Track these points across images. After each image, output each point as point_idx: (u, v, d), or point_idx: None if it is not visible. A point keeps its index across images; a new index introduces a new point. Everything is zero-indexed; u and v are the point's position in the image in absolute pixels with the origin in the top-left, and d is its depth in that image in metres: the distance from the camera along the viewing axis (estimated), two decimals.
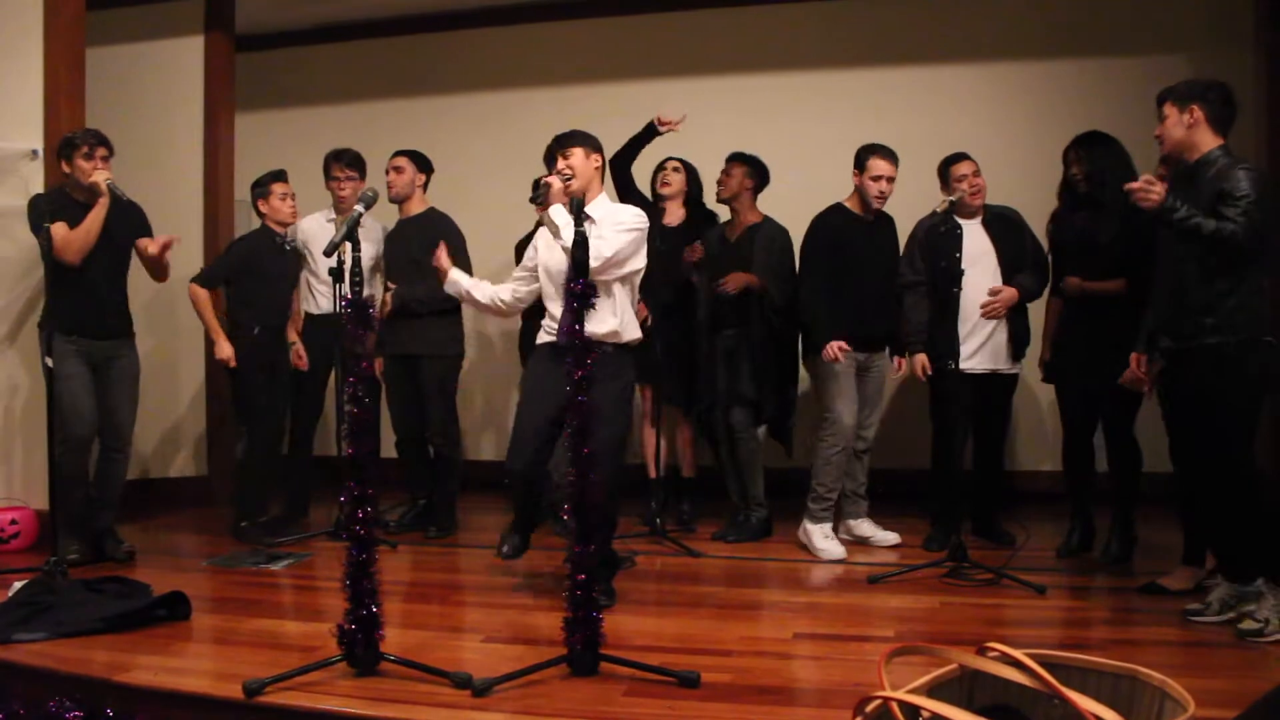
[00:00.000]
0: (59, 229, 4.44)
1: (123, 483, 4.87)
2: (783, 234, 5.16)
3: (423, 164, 5.43)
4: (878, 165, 4.81)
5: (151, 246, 4.72)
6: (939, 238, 4.56)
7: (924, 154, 5.53)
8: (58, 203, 4.54)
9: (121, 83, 5.90)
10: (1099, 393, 4.50)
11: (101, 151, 4.58)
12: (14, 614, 3.48)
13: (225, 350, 5.12)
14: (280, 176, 5.29)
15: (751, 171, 5.22)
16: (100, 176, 4.52)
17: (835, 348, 4.71)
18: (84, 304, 4.57)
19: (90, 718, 2.92)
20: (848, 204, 4.93)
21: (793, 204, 5.12)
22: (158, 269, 4.84)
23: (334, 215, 5.62)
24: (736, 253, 5.16)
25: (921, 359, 4.78)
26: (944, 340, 4.56)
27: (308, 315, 5.56)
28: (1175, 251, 3.65)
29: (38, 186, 4.86)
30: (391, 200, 5.36)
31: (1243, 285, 3.48)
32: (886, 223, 5.00)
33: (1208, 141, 3.59)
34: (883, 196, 4.83)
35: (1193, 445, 3.63)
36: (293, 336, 5.46)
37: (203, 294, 5.13)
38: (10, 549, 4.80)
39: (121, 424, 4.78)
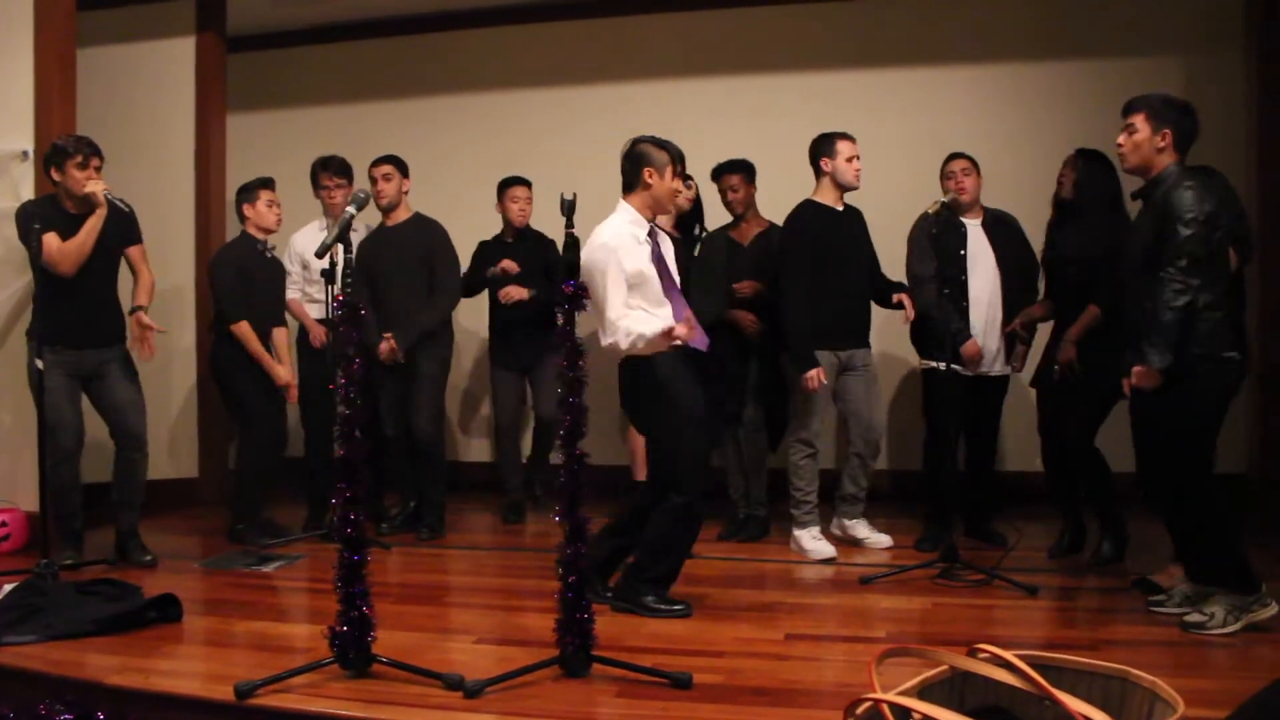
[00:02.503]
0: (51, 240, 4.37)
1: (143, 484, 4.83)
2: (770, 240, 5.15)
3: (405, 170, 5.42)
4: (846, 147, 4.80)
5: (138, 336, 4.70)
6: (943, 234, 4.56)
7: (918, 155, 5.55)
8: (48, 212, 4.47)
9: (113, 83, 5.90)
10: (1077, 402, 4.48)
11: (96, 161, 4.50)
12: (4, 616, 3.46)
13: (284, 376, 5.14)
14: (268, 184, 5.25)
15: (748, 177, 5.21)
16: (97, 187, 4.44)
17: (816, 376, 4.67)
18: (71, 314, 4.49)
19: None
20: (816, 197, 4.88)
21: (785, 206, 5.11)
22: (146, 289, 4.80)
23: (326, 222, 5.60)
24: (753, 256, 5.16)
25: (974, 346, 4.74)
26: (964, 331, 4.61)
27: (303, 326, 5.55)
28: (1134, 273, 3.66)
29: (29, 188, 4.84)
30: (383, 208, 5.35)
31: (1206, 302, 3.49)
32: (856, 215, 4.96)
33: (1167, 161, 3.60)
34: (860, 174, 4.82)
35: (1160, 454, 3.65)
36: (308, 322, 5.42)
37: (246, 328, 5.07)
38: (0, 551, 4.79)
39: (132, 425, 4.73)
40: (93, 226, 4.46)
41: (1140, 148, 3.62)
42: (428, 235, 5.33)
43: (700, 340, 3.86)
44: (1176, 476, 3.57)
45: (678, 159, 3.88)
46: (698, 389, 3.84)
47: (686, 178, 5.27)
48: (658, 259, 3.87)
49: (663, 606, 3.80)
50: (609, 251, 3.72)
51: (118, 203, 4.47)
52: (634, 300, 3.77)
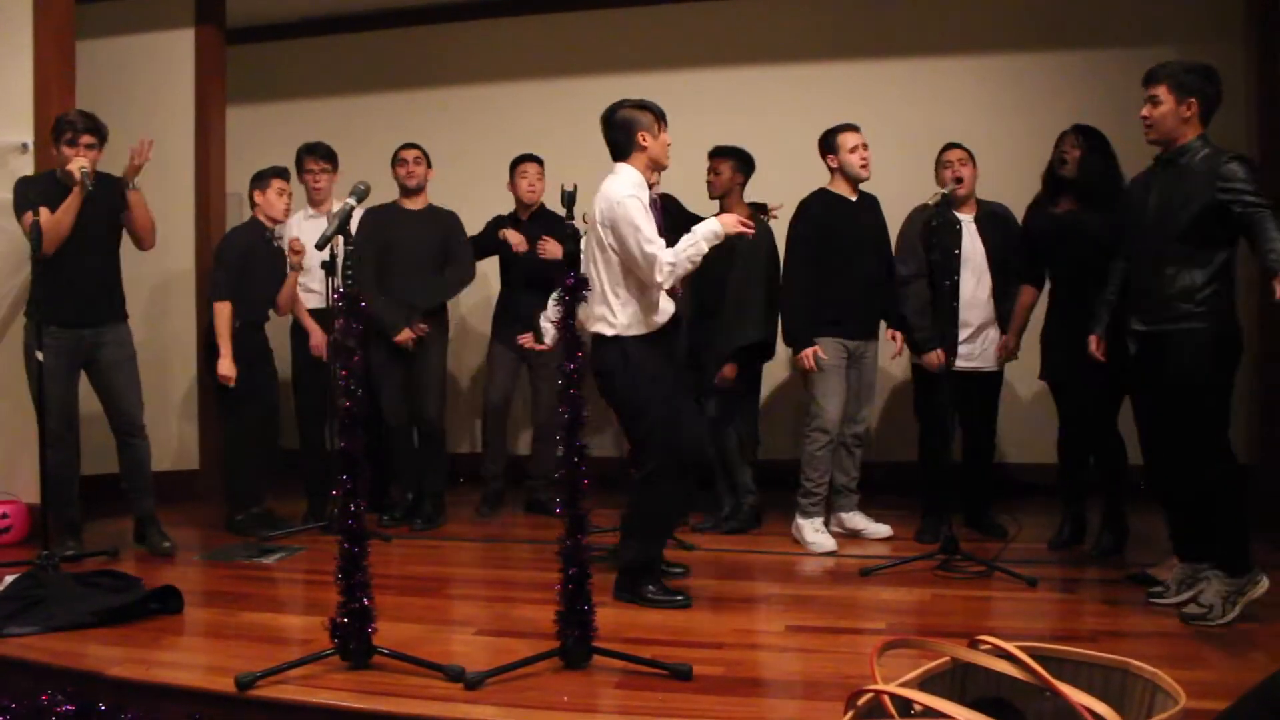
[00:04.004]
0: (41, 215, 4.30)
1: (148, 468, 4.83)
2: (767, 234, 5.15)
3: (429, 162, 5.49)
4: (848, 138, 4.82)
5: (133, 161, 4.53)
6: (939, 229, 4.55)
7: (915, 146, 5.53)
8: (43, 188, 4.45)
9: (112, 75, 5.88)
10: (1085, 387, 4.49)
11: (86, 139, 4.43)
12: (5, 608, 3.47)
13: (225, 368, 5.01)
14: (282, 173, 5.25)
15: (739, 165, 5.20)
16: (75, 165, 4.34)
17: (811, 355, 4.72)
18: (65, 293, 4.45)
19: (82, 712, 2.91)
20: (830, 188, 4.91)
21: (783, 198, 5.12)
22: (143, 228, 4.69)
23: (311, 211, 5.59)
24: (724, 248, 5.14)
25: (938, 355, 4.68)
26: (938, 337, 4.60)
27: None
28: (1150, 238, 3.66)
29: None
30: (413, 189, 5.41)
31: (1218, 273, 3.51)
32: (872, 204, 4.97)
33: (1192, 132, 3.59)
34: (867, 164, 4.82)
35: (1168, 430, 3.65)
36: (310, 326, 5.40)
37: (226, 310, 5.05)
38: (1, 543, 4.79)
39: (127, 410, 4.72)
40: (68, 205, 4.37)
41: (1166, 119, 3.60)
42: (444, 223, 5.42)
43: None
44: (1197, 450, 3.55)
45: (661, 115, 3.88)
46: (668, 368, 3.85)
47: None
48: (660, 220, 3.87)
49: (662, 597, 3.80)
50: (633, 199, 3.70)
51: (88, 184, 4.33)
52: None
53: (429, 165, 5.47)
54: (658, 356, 3.81)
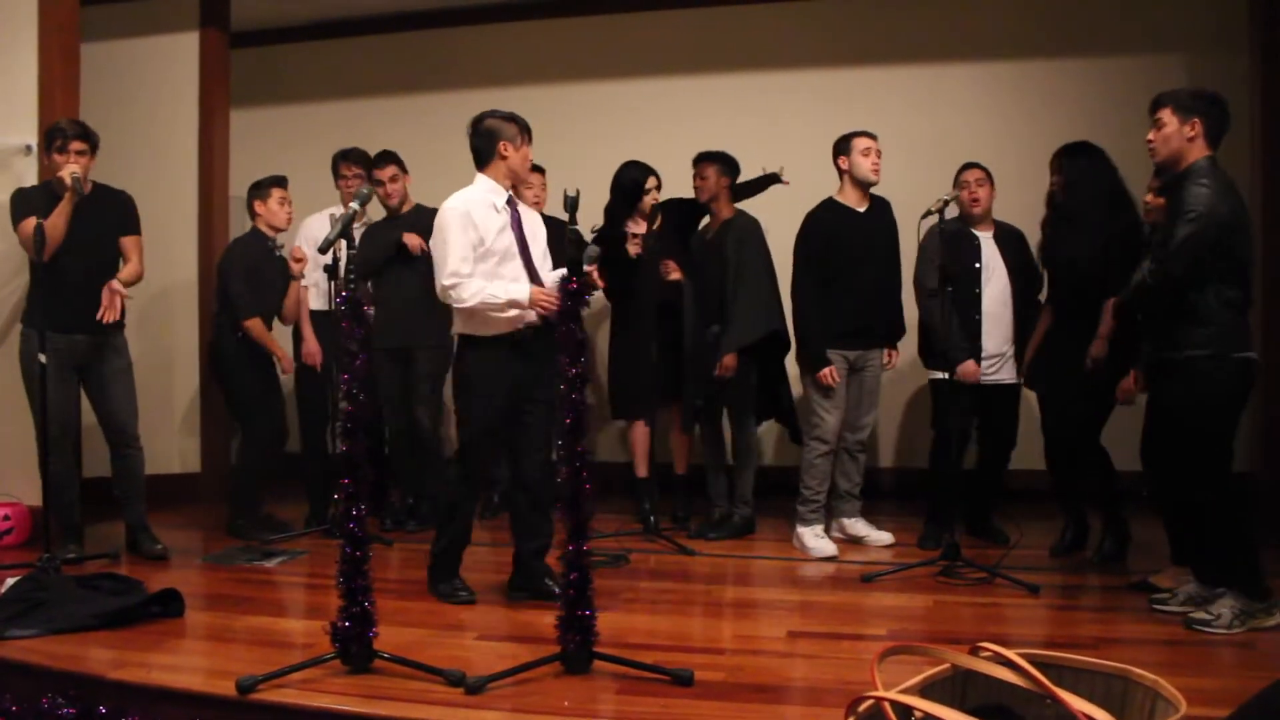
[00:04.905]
0: (29, 224, 4.28)
1: (142, 477, 4.84)
2: (753, 228, 5.14)
3: (405, 166, 5.46)
4: (862, 142, 4.83)
5: (106, 303, 4.55)
6: (958, 245, 4.54)
7: (920, 153, 5.53)
8: (40, 197, 4.46)
9: (116, 78, 5.90)
10: (1073, 401, 4.49)
11: (76, 145, 4.43)
12: (7, 610, 3.47)
13: (289, 365, 5.30)
14: (281, 182, 5.25)
15: (724, 168, 5.22)
16: (65, 171, 4.36)
17: (830, 374, 4.72)
18: (62, 299, 4.43)
19: (83, 715, 2.91)
20: (838, 197, 4.90)
21: (790, 204, 5.12)
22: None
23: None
24: (713, 250, 5.18)
25: (971, 366, 4.71)
26: (961, 349, 4.64)
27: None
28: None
29: (32, 181, 4.84)
30: (393, 209, 5.38)
31: (1223, 301, 3.50)
32: (882, 209, 4.96)
33: (1198, 153, 3.57)
34: (878, 169, 4.83)
35: (1171, 453, 3.65)
36: (305, 334, 5.43)
37: (259, 324, 5.12)
38: (3, 545, 4.80)
39: (123, 422, 4.73)
40: (60, 210, 4.37)
41: (1169, 140, 3.60)
42: (424, 224, 5.34)
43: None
44: (1194, 477, 3.56)
45: (526, 129, 3.93)
46: (505, 391, 3.83)
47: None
48: (518, 227, 3.89)
49: (450, 592, 3.97)
50: (456, 214, 3.78)
51: (79, 189, 4.35)
52: (483, 268, 3.78)
53: (405, 172, 5.43)
54: (502, 365, 3.82)
